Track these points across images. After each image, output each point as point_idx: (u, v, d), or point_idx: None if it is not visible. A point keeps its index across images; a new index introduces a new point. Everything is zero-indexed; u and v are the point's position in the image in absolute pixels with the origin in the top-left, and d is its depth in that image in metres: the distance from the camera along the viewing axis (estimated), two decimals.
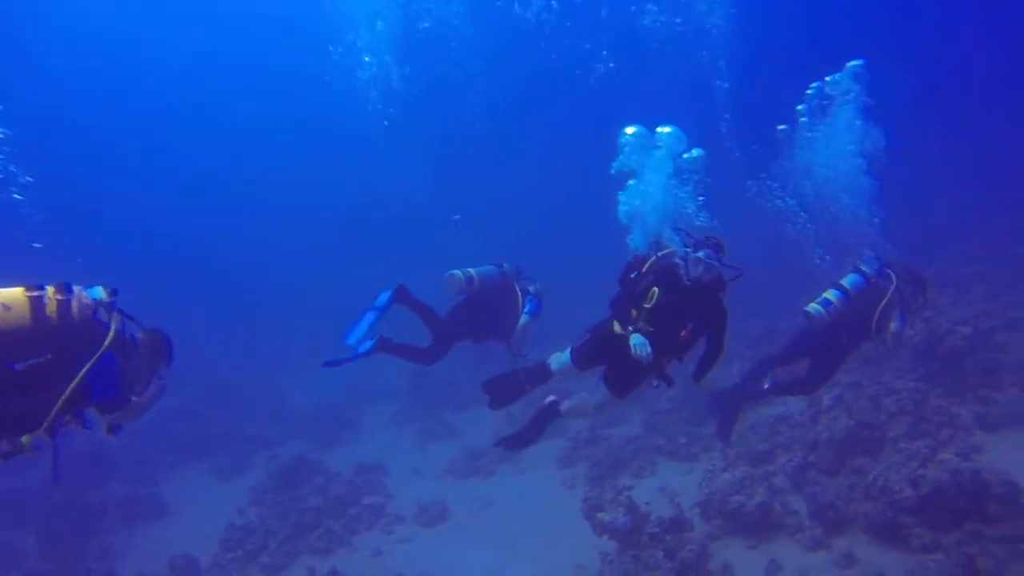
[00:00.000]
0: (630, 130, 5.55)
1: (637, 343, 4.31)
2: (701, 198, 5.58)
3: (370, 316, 5.87)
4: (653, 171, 5.48)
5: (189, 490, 11.27)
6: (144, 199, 29.26)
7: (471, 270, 6.09)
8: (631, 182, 5.54)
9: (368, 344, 5.80)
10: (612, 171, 5.60)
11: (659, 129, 5.51)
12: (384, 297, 5.97)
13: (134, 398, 3.62)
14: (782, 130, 7.86)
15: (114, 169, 28.86)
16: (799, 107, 7.71)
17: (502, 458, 9.86)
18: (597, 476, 8.53)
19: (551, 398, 5.26)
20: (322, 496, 9.26)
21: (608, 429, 9.81)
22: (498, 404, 5.54)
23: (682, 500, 6.75)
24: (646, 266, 4.69)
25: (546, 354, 5.38)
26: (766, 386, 6.55)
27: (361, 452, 11.72)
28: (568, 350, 5.09)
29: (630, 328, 4.44)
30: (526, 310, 6.09)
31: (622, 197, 5.52)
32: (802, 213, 7.72)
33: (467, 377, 12.52)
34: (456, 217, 16.23)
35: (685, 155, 5.50)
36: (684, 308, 4.47)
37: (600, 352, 4.85)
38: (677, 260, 4.57)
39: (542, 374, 5.32)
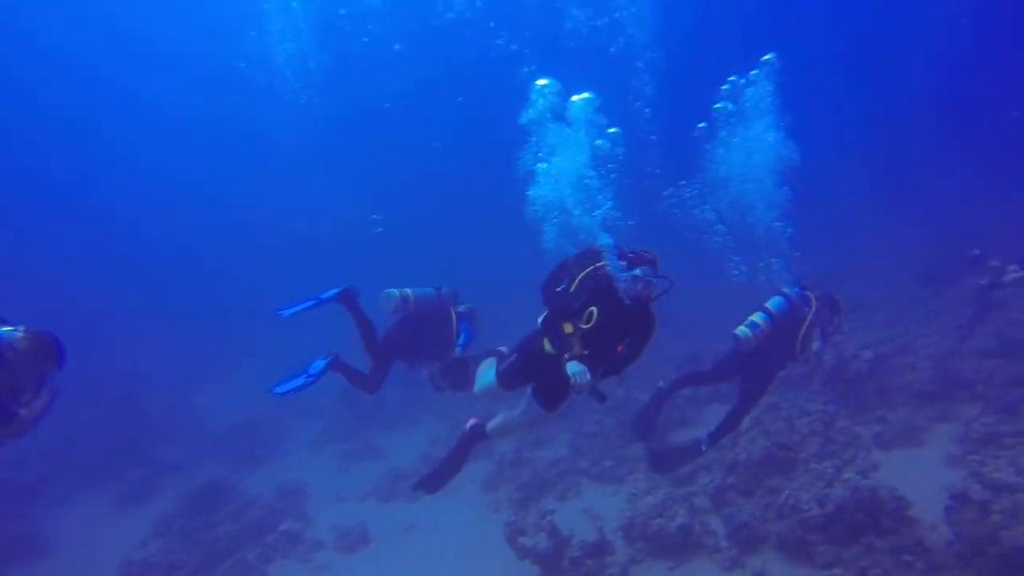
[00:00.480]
0: (542, 82, 5.29)
1: (575, 371, 4.12)
2: (631, 222, 5.57)
3: (308, 303, 5.91)
4: (568, 151, 5.14)
5: (82, 522, 10.32)
6: (71, 197, 27.66)
7: (408, 290, 6.08)
8: (542, 166, 5.22)
9: (321, 364, 5.81)
10: (521, 122, 5.27)
11: (574, 98, 5.21)
12: (332, 293, 5.96)
13: (22, 411, 3.14)
14: (702, 128, 8.01)
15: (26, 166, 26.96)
16: (717, 106, 7.87)
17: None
18: (522, 499, 8.49)
19: (472, 421, 5.16)
20: (237, 523, 8.77)
21: (534, 451, 9.81)
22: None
23: (605, 523, 6.81)
24: (576, 281, 4.43)
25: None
26: (703, 448, 6.57)
27: (283, 474, 11.21)
28: (493, 372, 4.89)
29: (566, 356, 4.21)
30: (460, 341, 6.07)
31: (532, 191, 5.20)
32: (719, 225, 7.76)
33: (395, 396, 12.25)
34: (375, 217, 15.86)
35: (599, 141, 5.25)
36: (621, 326, 4.33)
37: (529, 371, 4.65)
38: (614, 278, 4.30)
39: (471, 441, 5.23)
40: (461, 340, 6.06)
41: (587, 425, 9.60)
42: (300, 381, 5.67)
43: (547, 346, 4.40)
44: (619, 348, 4.36)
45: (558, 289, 4.53)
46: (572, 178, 5.05)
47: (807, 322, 6.01)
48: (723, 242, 7.73)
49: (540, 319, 4.52)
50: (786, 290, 6.30)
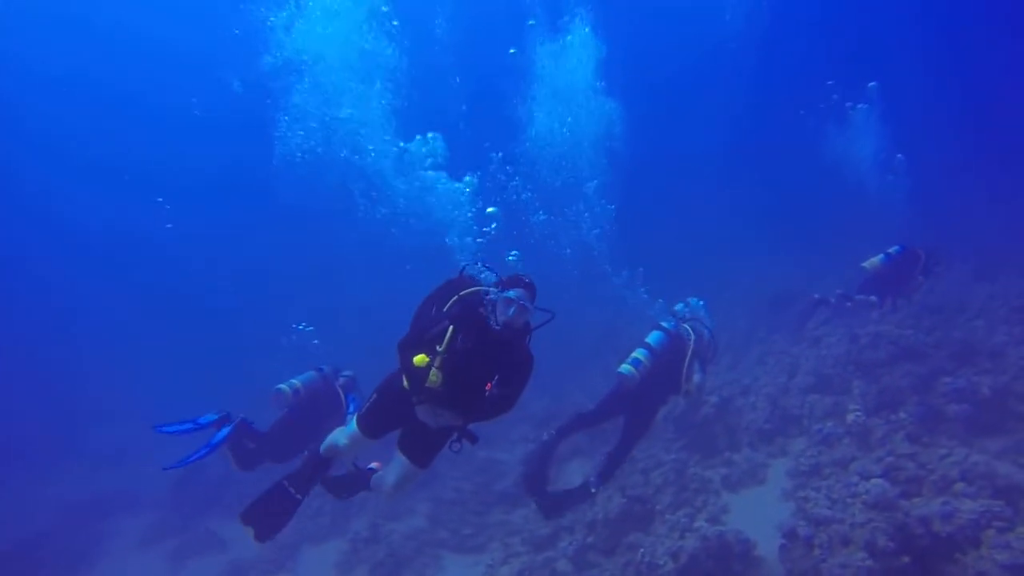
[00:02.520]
0: None
1: (424, 415, 3.68)
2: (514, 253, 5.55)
3: (186, 426, 5.56)
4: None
5: None
6: None
7: (296, 381, 6.12)
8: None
9: (224, 431, 5.48)
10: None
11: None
12: (209, 418, 5.68)
13: None
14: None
15: None
16: None
17: (275, 566, 8.63)
18: None
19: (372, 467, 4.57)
20: None
21: (390, 524, 9.11)
22: (266, 535, 4.42)
23: None
24: (449, 303, 3.94)
25: None
26: (593, 490, 6.39)
27: None
28: (354, 419, 4.23)
29: (415, 398, 3.65)
30: (349, 411, 6.00)
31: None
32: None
33: (238, 476, 10.96)
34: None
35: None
36: (488, 357, 3.66)
37: (391, 414, 4.00)
38: (482, 298, 3.77)
39: (315, 469, 4.43)
40: (350, 410, 5.96)
41: (446, 492, 9.12)
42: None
43: (405, 382, 3.74)
44: (488, 386, 3.63)
45: (431, 310, 4.05)
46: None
47: (689, 353, 6.09)
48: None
49: None
50: (664, 324, 6.37)
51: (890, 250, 8.67)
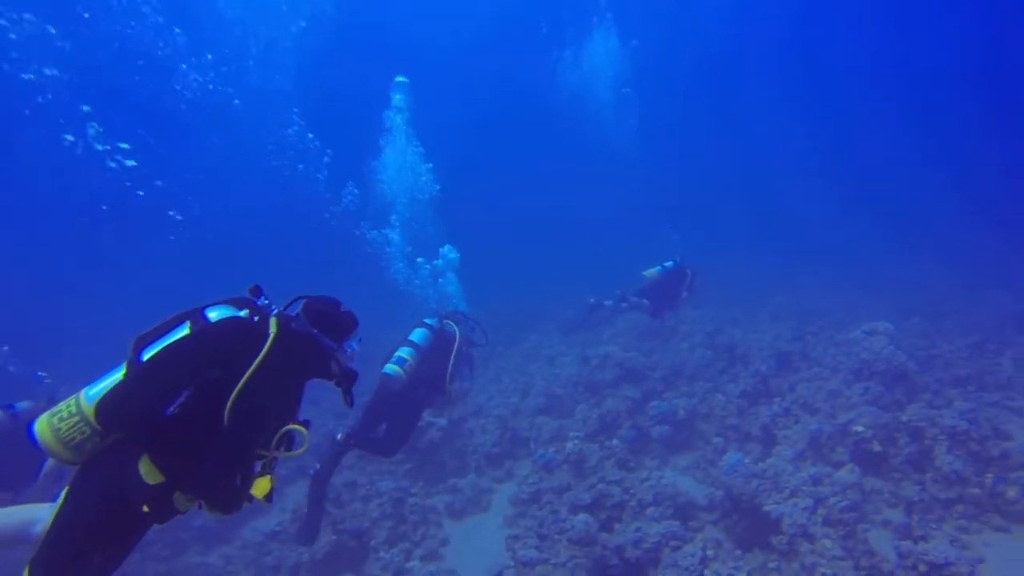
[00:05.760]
0: None
1: None
2: None
3: None
4: None
5: None
6: None
7: None
8: None
9: None
10: None
11: None
12: None
13: None
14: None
15: None
16: None
17: None
18: None
19: None
20: None
21: None
22: None
23: None
24: None
25: None
26: (339, 436, 5.76)
27: None
28: None
29: None
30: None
31: None
32: None
33: None
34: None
35: None
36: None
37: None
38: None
39: None
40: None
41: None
42: None
43: None
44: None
45: None
46: None
47: (454, 352, 5.77)
48: None
49: None
50: (428, 320, 6.07)
51: (666, 263, 9.71)
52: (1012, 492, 5.85)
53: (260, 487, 2.48)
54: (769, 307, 13.91)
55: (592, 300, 10.13)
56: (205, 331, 2.50)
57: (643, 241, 14.28)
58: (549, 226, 33.11)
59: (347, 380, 2.84)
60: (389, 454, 6.10)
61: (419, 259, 7.76)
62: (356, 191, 8.99)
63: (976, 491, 5.94)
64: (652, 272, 9.64)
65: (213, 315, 2.59)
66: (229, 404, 2.33)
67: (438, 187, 9.04)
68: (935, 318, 11.92)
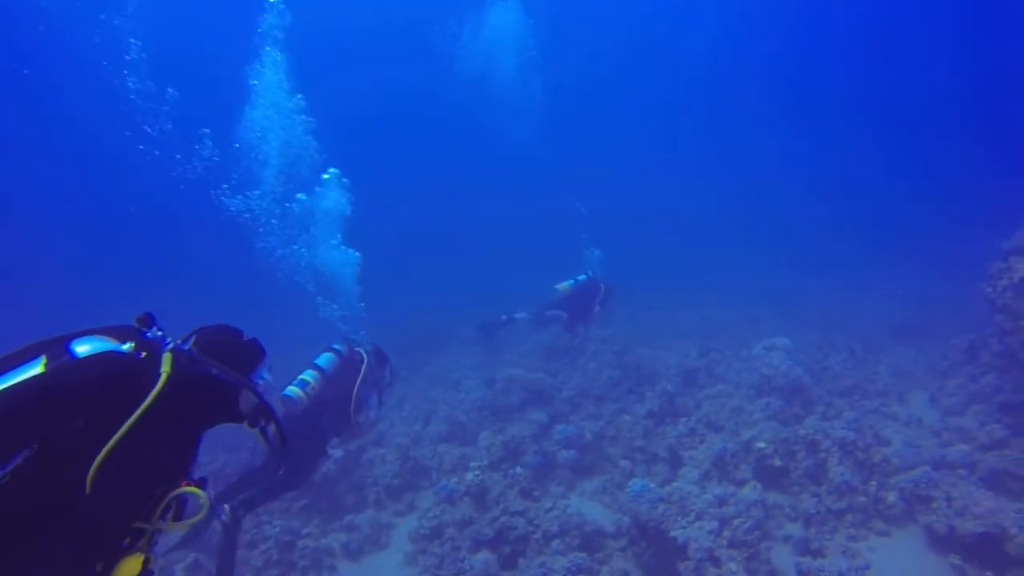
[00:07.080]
0: None
1: None
2: None
3: None
4: None
5: None
6: None
7: None
8: None
9: None
10: None
11: None
12: None
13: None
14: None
15: None
16: None
17: None
18: None
19: None
20: None
21: None
22: None
23: None
24: None
25: None
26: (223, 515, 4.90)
27: None
28: None
29: None
30: None
31: None
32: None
33: None
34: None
35: None
36: None
37: None
38: None
39: None
40: None
41: None
42: None
43: None
44: None
45: None
46: None
47: (360, 378, 5.48)
48: None
49: None
50: (336, 345, 5.78)
51: (579, 277, 9.72)
52: (891, 497, 6.06)
53: (127, 570, 1.84)
54: (678, 322, 14.21)
55: (504, 317, 9.92)
56: (65, 369, 1.88)
57: (559, 252, 14.09)
58: (457, 237, 31.72)
59: (263, 416, 2.38)
60: (290, 488, 5.53)
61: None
62: (212, 145, 7.59)
63: (863, 499, 6.13)
64: (565, 286, 9.64)
65: (82, 348, 1.96)
66: (95, 466, 1.75)
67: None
68: (826, 329, 12.63)
